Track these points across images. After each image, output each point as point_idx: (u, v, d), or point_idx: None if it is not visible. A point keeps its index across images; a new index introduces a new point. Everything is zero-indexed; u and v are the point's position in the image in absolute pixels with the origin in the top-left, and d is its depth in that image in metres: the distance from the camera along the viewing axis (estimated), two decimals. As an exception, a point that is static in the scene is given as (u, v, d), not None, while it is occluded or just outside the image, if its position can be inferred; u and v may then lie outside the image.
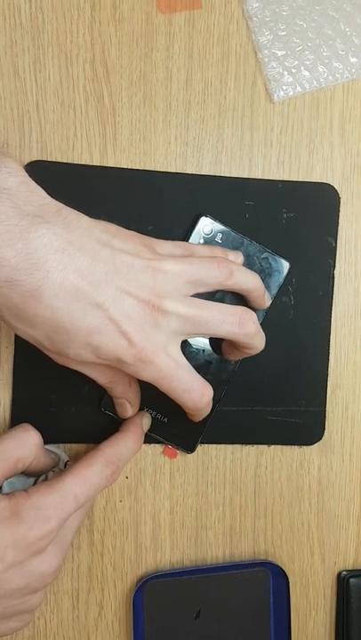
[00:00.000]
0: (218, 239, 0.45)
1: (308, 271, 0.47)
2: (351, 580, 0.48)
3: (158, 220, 0.45)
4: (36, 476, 0.42)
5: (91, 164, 0.45)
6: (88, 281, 0.34)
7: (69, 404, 0.45)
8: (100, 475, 0.38)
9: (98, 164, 0.45)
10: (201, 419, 0.41)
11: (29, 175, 0.35)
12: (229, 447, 0.47)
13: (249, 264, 0.45)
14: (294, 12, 0.47)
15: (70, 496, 0.37)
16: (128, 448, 0.42)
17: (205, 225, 0.45)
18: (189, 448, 0.47)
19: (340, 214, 0.48)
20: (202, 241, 0.45)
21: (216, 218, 0.45)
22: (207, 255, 0.41)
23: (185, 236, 0.45)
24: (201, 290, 0.39)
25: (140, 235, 0.39)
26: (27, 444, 0.39)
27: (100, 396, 0.45)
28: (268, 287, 0.45)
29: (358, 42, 0.47)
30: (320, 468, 0.49)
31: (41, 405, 0.45)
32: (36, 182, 0.36)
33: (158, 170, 0.46)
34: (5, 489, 0.41)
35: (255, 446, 0.48)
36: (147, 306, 0.36)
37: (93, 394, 0.45)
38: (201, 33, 0.46)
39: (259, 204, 0.46)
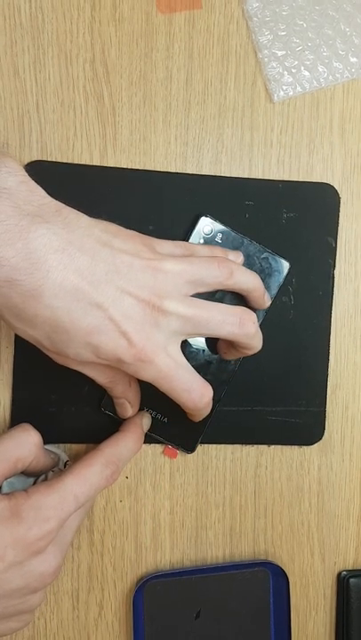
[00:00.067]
0: (218, 239, 0.45)
1: (309, 271, 0.47)
2: (351, 580, 0.48)
3: (158, 219, 0.45)
4: (36, 476, 0.42)
5: (91, 163, 0.45)
6: (88, 281, 0.34)
7: (69, 404, 0.45)
8: (100, 475, 0.38)
9: (98, 164, 0.45)
10: (201, 419, 0.41)
11: (29, 175, 0.35)
12: (229, 447, 0.47)
13: (249, 264, 0.45)
14: (294, 12, 0.47)
15: (70, 496, 0.37)
16: (128, 448, 0.42)
17: (205, 225, 0.45)
18: (189, 448, 0.47)
19: (341, 214, 0.48)
20: (202, 241, 0.45)
21: (216, 218, 0.45)
22: (207, 255, 0.41)
23: (185, 236, 0.45)
24: (201, 289, 0.39)
25: (140, 234, 0.39)
26: (26, 444, 0.39)
27: (100, 396, 0.45)
28: (268, 287, 0.45)
29: (358, 42, 0.47)
30: (320, 468, 0.49)
31: (41, 405, 0.45)
32: (36, 182, 0.36)
33: (158, 170, 0.46)
34: (5, 489, 0.41)
35: (255, 446, 0.48)
36: (147, 306, 0.36)
37: (93, 394, 0.45)
38: (201, 33, 0.46)
39: (259, 204, 0.46)
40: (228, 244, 0.45)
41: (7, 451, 0.38)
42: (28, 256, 0.33)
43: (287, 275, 0.46)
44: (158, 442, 0.46)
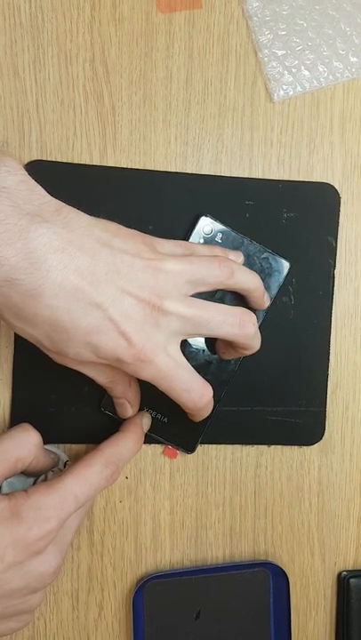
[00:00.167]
0: (218, 239, 0.45)
1: (309, 271, 0.47)
2: (351, 580, 0.48)
3: (158, 219, 0.45)
4: (36, 476, 0.42)
5: (91, 163, 0.45)
6: (88, 281, 0.34)
7: (69, 404, 0.45)
8: (100, 475, 0.38)
9: (98, 164, 0.45)
10: (201, 419, 0.41)
11: (29, 175, 0.35)
12: (229, 447, 0.47)
13: (249, 264, 0.45)
14: (294, 12, 0.47)
15: (70, 496, 0.36)
16: (128, 448, 0.42)
17: (205, 225, 0.45)
18: (189, 448, 0.46)
19: (341, 214, 0.48)
20: (202, 241, 0.45)
21: (216, 217, 0.45)
22: (207, 255, 0.41)
23: (185, 236, 0.45)
24: (201, 289, 0.39)
25: (140, 233, 0.39)
26: (26, 444, 0.39)
27: (100, 396, 0.45)
28: (268, 287, 0.45)
29: (358, 41, 0.47)
30: (320, 468, 0.48)
31: (41, 405, 0.45)
32: (35, 182, 0.35)
33: (158, 169, 0.46)
34: (5, 489, 0.41)
35: (255, 446, 0.48)
36: (147, 305, 0.36)
37: (93, 394, 0.45)
38: (201, 32, 0.46)
39: (259, 204, 0.46)
40: (228, 243, 0.45)
41: (7, 451, 0.38)
42: (27, 256, 0.33)
43: (287, 275, 0.46)
44: (158, 442, 0.46)
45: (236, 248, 0.45)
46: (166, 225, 0.45)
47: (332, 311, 0.48)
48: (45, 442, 0.41)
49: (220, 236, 0.45)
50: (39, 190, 0.35)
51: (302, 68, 0.47)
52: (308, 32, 0.47)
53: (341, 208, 0.48)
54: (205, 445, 0.47)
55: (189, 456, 0.47)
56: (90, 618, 0.46)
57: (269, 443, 0.48)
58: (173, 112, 0.46)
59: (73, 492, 0.37)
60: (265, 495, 0.48)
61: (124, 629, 0.47)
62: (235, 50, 0.46)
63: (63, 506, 0.36)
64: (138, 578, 0.47)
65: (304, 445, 0.48)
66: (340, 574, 0.49)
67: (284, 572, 0.47)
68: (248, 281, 0.41)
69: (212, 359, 0.45)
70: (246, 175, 0.47)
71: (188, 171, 0.46)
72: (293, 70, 0.47)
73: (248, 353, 0.41)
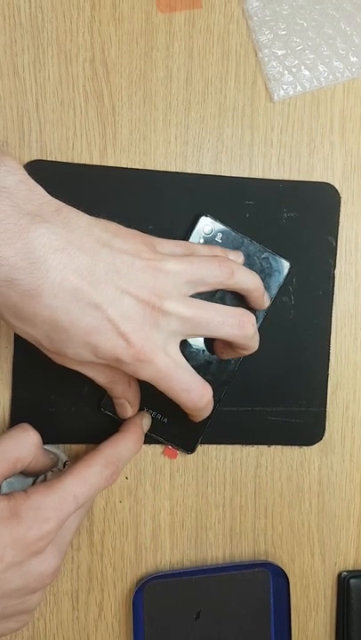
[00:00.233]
0: (218, 239, 0.45)
1: (309, 271, 0.47)
2: (352, 580, 0.48)
3: (158, 219, 0.45)
4: (35, 477, 0.42)
5: (90, 163, 0.45)
6: (87, 281, 0.34)
7: (69, 405, 0.45)
8: (100, 475, 0.38)
9: (98, 164, 0.45)
10: (201, 419, 0.41)
11: (29, 175, 0.35)
12: (229, 447, 0.47)
13: (249, 264, 0.45)
14: (294, 12, 0.47)
15: (69, 496, 0.36)
16: (128, 448, 0.41)
17: (205, 224, 0.45)
18: (189, 448, 0.46)
19: (341, 214, 0.48)
20: (202, 240, 0.45)
21: (216, 217, 0.45)
22: (208, 254, 0.41)
23: (185, 236, 0.45)
24: (202, 289, 0.39)
25: (141, 233, 0.39)
26: (26, 444, 0.39)
27: (99, 396, 0.45)
28: (268, 287, 0.45)
29: (359, 41, 0.47)
30: (320, 468, 0.48)
31: (41, 405, 0.45)
32: (35, 182, 0.35)
33: (158, 169, 0.46)
34: (4, 489, 0.41)
35: (255, 446, 0.48)
36: (147, 306, 0.36)
37: (93, 394, 0.45)
38: (201, 32, 0.46)
39: (259, 204, 0.46)
40: (228, 243, 0.45)
41: (6, 451, 0.38)
42: (27, 256, 0.33)
43: (287, 274, 0.46)
44: (158, 442, 0.46)
45: (236, 248, 0.45)
46: (166, 225, 0.45)
47: (333, 311, 0.48)
48: (45, 442, 0.41)
49: (220, 235, 0.45)
50: (39, 190, 0.35)
51: (302, 67, 0.47)
52: (309, 32, 0.47)
53: (342, 208, 0.48)
54: (205, 445, 0.47)
55: (189, 456, 0.47)
56: (90, 618, 0.46)
57: (269, 443, 0.48)
58: (173, 112, 0.46)
59: (72, 493, 0.37)
60: (265, 495, 0.48)
61: (124, 630, 0.47)
62: (235, 50, 0.46)
63: (63, 506, 0.36)
64: (138, 578, 0.47)
65: (304, 445, 0.48)
66: (340, 574, 0.49)
67: (284, 572, 0.47)
68: (248, 281, 0.41)
69: (211, 359, 0.45)
70: (246, 175, 0.47)
71: (188, 171, 0.46)
72: (293, 70, 0.47)
73: (246, 353, 0.41)
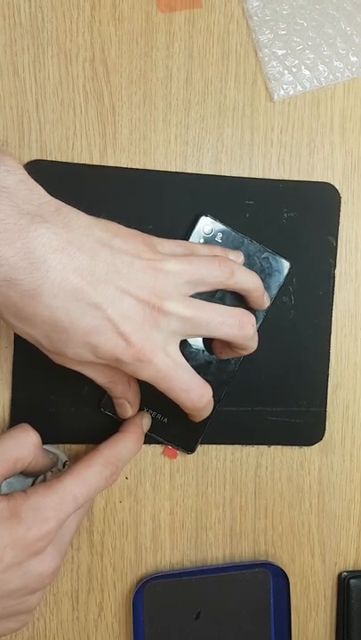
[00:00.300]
0: (218, 239, 0.45)
1: (309, 271, 0.47)
2: (352, 580, 0.48)
3: (158, 219, 0.45)
4: (35, 477, 0.42)
5: (90, 163, 0.45)
6: (87, 281, 0.34)
7: (69, 405, 0.45)
8: (100, 475, 0.38)
9: (98, 164, 0.45)
10: (201, 419, 0.41)
11: (29, 174, 0.35)
12: (229, 447, 0.47)
13: (249, 264, 0.45)
14: (295, 11, 0.47)
15: (69, 497, 0.36)
16: (128, 448, 0.41)
17: (206, 224, 0.45)
18: (189, 448, 0.46)
19: (341, 214, 0.48)
20: (202, 240, 0.45)
21: (216, 217, 0.45)
22: (208, 254, 0.41)
23: (185, 236, 0.45)
24: (202, 289, 0.39)
25: (141, 233, 0.39)
26: (25, 445, 0.39)
27: (99, 397, 0.45)
28: (268, 287, 0.45)
29: (359, 41, 0.47)
30: (320, 468, 0.48)
31: (40, 405, 0.45)
32: (35, 182, 0.35)
33: (158, 169, 0.46)
34: (4, 489, 0.41)
35: (255, 447, 0.48)
36: (147, 306, 0.36)
37: (93, 394, 0.45)
38: (201, 32, 0.46)
39: (259, 204, 0.46)
40: (228, 243, 0.45)
41: (6, 451, 0.38)
42: (27, 255, 0.33)
43: (288, 274, 0.46)
44: (158, 442, 0.46)
45: (236, 248, 0.45)
46: (166, 225, 0.45)
47: (333, 311, 0.48)
48: (45, 442, 0.41)
49: (220, 235, 0.45)
50: (39, 190, 0.35)
51: (302, 67, 0.47)
52: (309, 31, 0.47)
53: (342, 208, 0.48)
54: (205, 445, 0.47)
55: (189, 456, 0.47)
56: (90, 618, 0.46)
57: (269, 443, 0.48)
58: (173, 112, 0.46)
59: (72, 493, 0.37)
60: (265, 495, 0.48)
61: (124, 630, 0.47)
62: (235, 49, 0.46)
63: (62, 506, 0.36)
64: (138, 578, 0.47)
65: (304, 445, 0.48)
66: (340, 575, 0.49)
67: (284, 572, 0.47)
68: (248, 281, 0.41)
69: (211, 359, 0.45)
70: (246, 175, 0.47)
71: (189, 170, 0.46)
72: (294, 70, 0.47)
73: (245, 353, 0.41)
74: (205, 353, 0.45)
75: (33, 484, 0.42)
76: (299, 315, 0.47)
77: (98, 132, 0.45)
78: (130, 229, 0.38)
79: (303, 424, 0.47)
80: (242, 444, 0.47)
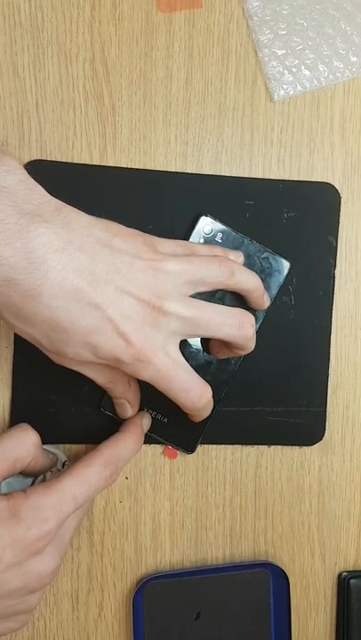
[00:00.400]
0: (218, 239, 0.45)
1: (309, 271, 0.47)
2: (352, 580, 0.48)
3: (158, 219, 0.45)
4: (34, 477, 0.42)
5: (90, 163, 0.45)
6: (87, 281, 0.34)
7: (69, 405, 0.45)
8: (99, 475, 0.38)
9: (98, 164, 0.45)
10: (201, 419, 0.41)
11: (29, 174, 0.35)
12: (229, 447, 0.47)
13: (249, 264, 0.45)
14: (295, 11, 0.47)
15: (69, 497, 0.36)
16: (128, 448, 0.41)
17: (205, 224, 0.45)
18: (189, 448, 0.46)
19: (341, 214, 0.48)
20: (202, 240, 0.45)
21: (216, 217, 0.45)
22: (208, 254, 0.41)
23: (185, 236, 0.45)
24: (201, 289, 0.39)
25: (141, 233, 0.39)
26: (25, 445, 0.39)
27: (99, 397, 0.45)
28: (268, 287, 0.45)
29: (359, 41, 0.47)
30: (321, 468, 0.48)
31: (40, 405, 0.45)
32: (35, 181, 0.35)
33: (158, 169, 0.46)
34: (3, 489, 0.41)
35: (255, 447, 0.48)
36: (147, 306, 0.36)
37: (93, 394, 0.45)
38: (201, 32, 0.46)
39: (259, 204, 0.46)
40: (228, 243, 0.45)
41: (6, 451, 0.38)
42: (27, 255, 0.33)
43: (288, 274, 0.46)
44: (158, 442, 0.46)
45: (236, 248, 0.45)
46: (166, 225, 0.45)
47: (333, 311, 0.48)
48: (45, 442, 0.41)
49: (220, 235, 0.45)
50: (39, 190, 0.35)
51: (302, 67, 0.47)
52: (309, 31, 0.47)
53: (342, 208, 0.48)
54: (205, 445, 0.47)
55: (189, 456, 0.47)
56: (90, 618, 0.46)
57: (269, 443, 0.48)
58: (173, 112, 0.46)
59: (72, 493, 0.37)
60: (265, 495, 0.48)
61: (124, 630, 0.47)
62: (235, 49, 0.46)
63: (62, 506, 0.36)
64: (138, 578, 0.47)
65: (304, 445, 0.48)
66: (340, 575, 0.49)
67: (284, 572, 0.47)
68: (248, 281, 0.41)
69: (211, 359, 0.45)
70: (246, 175, 0.47)
71: (188, 170, 0.46)
72: (294, 70, 0.47)
73: (243, 353, 0.41)
74: (205, 353, 0.45)
75: (32, 483, 0.42)
76: (299, 315, 0.47)
77: (98, 132, 0.45)
78: (130, 229, 0.38)
79: (303, 424, 0.47)
80: (242, 443, 0.47)
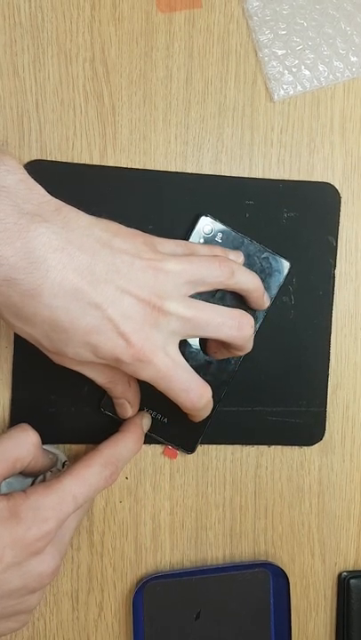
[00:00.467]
0: (218, 239, 0.45)
1: (309, 271, 0.47)
2: (352, 580, 0.48)
3: (158, 219, 0.45)
4: (34, 477, 0.42)
5: (90, 163, 0.45)
6: (87, 280, 0.34)
7: (69, 405, 0.45)
8: (99, 475, 0.38)
9: (98, 164, 0.45)
10: (201, 419, 0.41)
11: (29, 174, 0.35)
12: (229, 447, 0.47)
13: (249, 264, 0.45)
14: (295, 11, 0.47)
15: (69, 497, 0.36)
16: (128, 448, 0.41)
17: (206, 224, 0.45)
18: (189, 448, 0.46)
19: (341, 214, 0.48)
20: (202, 240, 0.45)
21: (216, 217, 0.45)
22: (208, 254, 0.41)
23: (185, 236, 0.45)
24: (201, 289, 0.39)
25: (141, 233, 0.39)
26: (25, 445, 0.39)
27: (99, 397, 0.45)
28: (268, 287, 0.45)
29: (359, 41, 0.47)
30: (320, 468, 0.48)
31: (40, 405, 0.45)
32: (35, 181, 0.35)
33: (158, 169, 0.46)
34: (3, 489, 0.41)
35: (255, 447, 0.48)
36: (147, 305, 0.36)
37: (93, 394, 0.45)
38: (201, 32, 0.46)
39: (259, 204, 0.46)
40: (228, 243, 0.45)
41: (6, 451, 0.38)
42: (27, 255, 0.33)
43: (288, 274, 0.46)
44: (158, 442, 0.46)
45: (236, 248, 0.45)
46: (166, 225, 0.45)
47: (333, 311, 0.48)
48: (45, 442, 0.41)
49: (220, 235, 0.45)
50: (39, 189, 0.35)
51: (302, 67, 0.47)
52: (309, 31, 0.47)
53: (342, 208, 0.48)
54: (205, 445, 0.47)
55: (189, 456, 0.47)
56: (90, 618, 0.46)
57: (269, 443, 0.48)
58: (173, 112, 0.46)
59: (72, 493, 0.37)
60: (265, 495, 0.48)
61: (124, 630, 0.47)
62: (235, 49, 0.46)
63: (62, 506, 0.36)
64: (138, 578, 0.47)
65: (304, 445, 0.48)
66: (340, 575, 0.49)
67: (284, 572, 0.47)
68: (248, 281, 0.41)
69: (211, 359, 0.45)
70: (246, 175, 0.47)
71: (188, 170, 0.46)
72: (294, 70, 0.47)
73: (240, 354, 0.41)
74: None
75: (32, 483, 0.42)
76: (299, 315, 0.47)
77: (98, 132, 0.45)
78: (130, 229, 0.38)
79: (303, 424, 0.47)
80: (242, 443, 0.47)
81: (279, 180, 0.47)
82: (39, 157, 0.44)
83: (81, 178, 0.45)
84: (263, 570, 0.47)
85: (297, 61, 0.47)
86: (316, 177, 0.48)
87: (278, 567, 0.47)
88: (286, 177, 0.47)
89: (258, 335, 0.45)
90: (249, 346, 0.40)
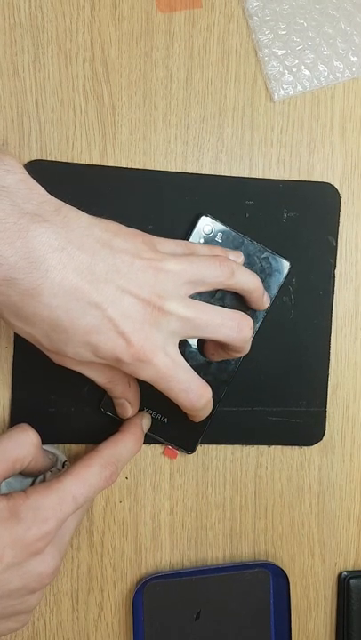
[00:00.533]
0: (218, 239, 0.45)
1: (309, 271, 0.47)
2: (352, 580, 0.48)
3: (158, 219, 0.45)
4: (34, 477, 0.42)
5: (90, 163, 0.45)
6: (87, 280, 0.34)
7: (69, 405, 0.45)
8: (99, 476, 0.38)
9: (97, 164, 0.45)
10: (201, 419, 0.41)
11: (29, 174, 0.35)
12: (229, 447, 0.47)
13: (249, 264, 0.45)
14: (295, 11, 0.47)
15: (69, 497, 0.36)
16: (128, 449, 0.41)
17: (206, 224, 0.45)
18: (189, 448, 0.46)
19: (341, 214, 0.48)
20: (202, 240, 0.45)
21: (216, 217, 0.45)
22: (208, 254, 0.41)
23: (185, 236, 0.45)
24: (201, 289, 0.39)
25: (141, 233, 0.39)
26: (25, 445, 0.39)
27: (99, 397, 0.45)
28: (268, 287, 0.45)
29: (359, 41, 0.47)
30: (320, 468, 0.48)
31: (40, 405, 0.45)
32: (35, 181, 0.35)
33: (158, 169, 0.46)
34: (3, 489, 0.41)
35: (255, 447, 0.48)
36: (147, 305, 0.36)
37: (93, 394, 0.45)
38: (201, 32, 0.46)
39: (259, 204, 0.46)
40: (228, 243, 0.45)
41: (6, 451, 0.38)
42: (26, 255, 0.33)
43: (288, 274, 0.46)
44: (158, 442, 0.46)
45: (236, 248, 0.45)
46: (166, 225, 0.45)
47: (333, 311, 0.48)
48: (45, 442, 0.41)
49: (220, 235, 0.45)
50: (39, 189, 0.35)
51: (303, 67, 0.47)
52: (309, 31, 0.47)
53: (342, 208, 0.48)
54: (205, 445, 0.47)
55: (189, 456, 0.47)
56: (90, 618, 0.46)
57: (269, 443, 0.48)
58: (173, 112, 0.46)
59: (72, 493, 0.37)
60: (265, 495, 0.48)
61: (124, 630, 0.47)
62: (235, 49, 0.46)
63: (62, 506, 0.36)
64: (138, 578, 0.47)
65: (304, 445, 0.48)
66: (340, 575, 0.49)
67: (284, 572, 0.47)
68: (248, 281, 0.41)
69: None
70: (246, 175, 0.47)
71: (189, 170, 0.46)
72: (294, 70, 0.47)
73: (238, 356, 0.41)
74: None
75: (32, 483, 0.42)
76: (299, 315, 0.47)
77: (98, 131, 0.45)
78: (130, 229, 0.38)
79: (303, 424, 0.47)
80: (242, 443, 0.47)
81: (279, 179, 0.47)
82: (39, 157, 0.44)
83: (81, 178, 0.45)
84: (263, 570, 0.47)
85: (297, 61, 0.47)
86: (316, 177, 0.48)
87: (278, 567, 0.47)
88: (286, 177, 0.47)
89: (258, 335, 0.45)
90: (247, 348, 0.40)
